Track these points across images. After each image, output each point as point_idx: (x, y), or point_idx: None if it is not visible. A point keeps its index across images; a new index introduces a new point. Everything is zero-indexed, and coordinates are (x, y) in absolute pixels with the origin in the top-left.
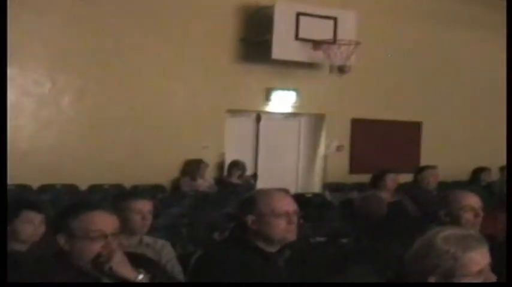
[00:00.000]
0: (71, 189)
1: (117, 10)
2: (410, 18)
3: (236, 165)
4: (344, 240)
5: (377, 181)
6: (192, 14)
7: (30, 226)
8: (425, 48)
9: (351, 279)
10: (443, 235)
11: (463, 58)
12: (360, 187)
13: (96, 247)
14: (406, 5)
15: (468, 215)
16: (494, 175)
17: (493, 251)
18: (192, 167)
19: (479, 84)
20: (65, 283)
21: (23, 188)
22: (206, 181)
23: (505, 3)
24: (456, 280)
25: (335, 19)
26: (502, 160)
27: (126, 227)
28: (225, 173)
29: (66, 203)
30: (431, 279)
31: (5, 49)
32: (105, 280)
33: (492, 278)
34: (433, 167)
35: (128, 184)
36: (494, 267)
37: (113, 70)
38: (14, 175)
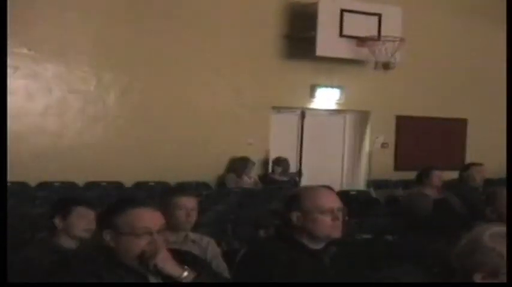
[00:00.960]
0: (116, 186)
1: (161, 7)
2: (456, 14)
3: (280, 162)
4: (389, 237)
5: (423, 178)
6: (237, 10)
7: (83, 221)
8: (472, 44)
9: (397, 276)
10: (490, 232)
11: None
12: (404, 184)
13: (141, 244)
14: (451, 1)
15: None
16: None
17: None
18: (238, 164)
19: None
20: (67, 283)
21: (69, 185)
22: (251, 177)
23: None
24: (502, 277)
25: (379, 15)
26: None
27: (171, 224)
28: (270, 170)
29: (112, 200)
30: (477, 276)
31: (5, 50)
32: (151, 277)
33: None
34: (479, 165)
35: (173, 181)
36: None
37: (157, 68)
38: (60, 172)
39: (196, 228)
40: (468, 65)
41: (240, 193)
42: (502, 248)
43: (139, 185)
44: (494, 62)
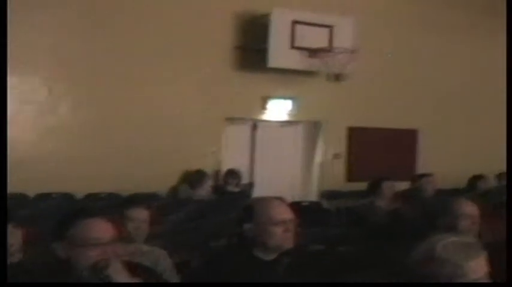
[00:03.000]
0: (67, 198)
1: (114, 19)
2: (408, 26)
3: (233, 173)
4: (342, 248)
5: (374, 189)
6: (188, 21)
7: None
8: (423, 56)
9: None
10: (443, 244)
11: (460, 66)
12: (357, 194)
13: (93, 255)
14: (404, 13)
15: (465, 223)
16: (491, 183)
17: (491, 259)
18: (191, 176)
19: (476, 91)
20: (66, 283)
21: (20, 196)
22: (203, 189)
23: (503, 9)
24: None
25: (331, 27)
26: (499, 168)
27: (122, 236)
28: (222, 181)
29: (63, 212)
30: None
31: (5, 51)
32: None
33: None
34: (430, 175)
35: (124, 192)
36: (493, 275)
37: (109, 80)
38: (11, 183)
39: (148, 240)
40: (419, 75)
41: (192, 205)
42: (455, 259)
43: (91, 197)
44: (444, 72)
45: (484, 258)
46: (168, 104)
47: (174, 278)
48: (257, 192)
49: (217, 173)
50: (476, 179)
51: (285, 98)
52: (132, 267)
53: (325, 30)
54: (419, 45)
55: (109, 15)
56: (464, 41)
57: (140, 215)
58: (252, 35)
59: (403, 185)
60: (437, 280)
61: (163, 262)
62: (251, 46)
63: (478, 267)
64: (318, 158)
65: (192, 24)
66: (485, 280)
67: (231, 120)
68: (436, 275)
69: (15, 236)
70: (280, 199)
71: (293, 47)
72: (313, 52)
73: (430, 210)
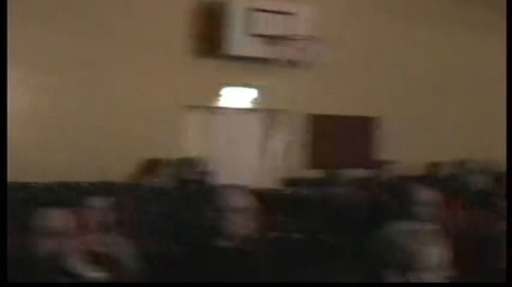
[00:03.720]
0: (26, 187)
1: (72, 8)
2: (369, 13)
3: (192, 161)
4: (301, 235)
5: (333, 176)
6: (146, 9)
7: None
8: (384, 43)
9: (310, 273)
10: (399, 230)
11: (422, 53)
12: (317, 182)
13: (53, 245)
14: (365, 0)
15: (424, 210)
16: (451, 170)
17: (453, 246)
18: (151, 165)
19: (437, 79)
20: (65, 283)
21: None
22: (163, 177)
23: None
24: (412, 275)
25: (291, 14)
26: (459, 154)
27: (84, 225)
28: (182, 169)
29: (22, 202)
30: (388, 273)
31: (5, 50)
32: (62, 278)
33: (450, 273)
34: (390, 162)
35: (85, 181)
36: (454, 261)
37: (66, 69)
38: None
39: (109, 229)
40: (380, 63)
41: (153, 193)
42: (413, 245)
43: (51, 187)
44: (407, 60)
45: (442, 245)
46: (126, 93)
47: (137, 267)
48: (216, 180)
49: (176, 161)
50: (435, 166)
51: (244, 85)
52: (94, 256)
53: (285, 17)
54: (380, 33)
55: (69, 5)
56: (428, 29)
57: (102, 204)
58: (210, 23)
59: (363, 173)
60: (392, 267)
61: (126, 251)
62: (209, 33)
63: (436, 254)
64: (278, 145)
65: (151, 12)
66: (445, 267)
67: (190, 108)
68: (392, 263)
69: None
70: (239, 186)
71: (252, 34)
72: (272, 39)
73: (390, 197)
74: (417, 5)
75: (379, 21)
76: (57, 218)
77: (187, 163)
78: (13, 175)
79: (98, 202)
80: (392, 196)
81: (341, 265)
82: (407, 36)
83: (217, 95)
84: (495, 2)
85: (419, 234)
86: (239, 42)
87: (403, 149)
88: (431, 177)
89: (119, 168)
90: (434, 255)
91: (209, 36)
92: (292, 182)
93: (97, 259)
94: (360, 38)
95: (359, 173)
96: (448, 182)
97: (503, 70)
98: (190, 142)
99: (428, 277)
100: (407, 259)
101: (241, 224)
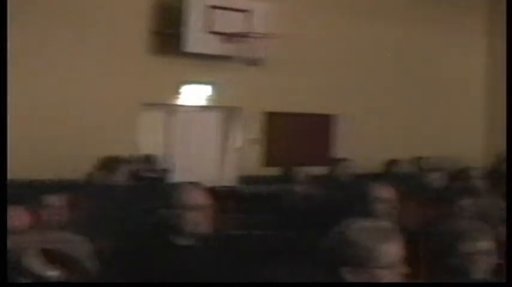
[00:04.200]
0: None
1: (27, 2)
2: (326, 10)
3: (149, 159)
4: (259, 232)
5: (290, 174)
6: (103, 6)
7: None
8: (341, 41)
9: (272, 271)
10: (356, 227)
11: (380, 51)
12: (274, 179)
13: (7, 243)
14: None
15: (381, 207)
16: (407, 167)
17: (409, 244)
18: (108, 162)
19: (395, 77)
20: (64, 282)
21: None
22: (120, 175)
23: None
24: (369, 272)
25: (248, 12)
26: (415, 152)
27: (39, 223)
28: (138, 167)
29: None
30: (345, 270)
31: (5, 50)
32: (18, 277)
33: (405, 270)
34: (346, 160)
35: (41, 179)
36: (410, 259)
37: (21, 65)
38: None
39: (65, 227)
40: (337, 61)
41: (109, 191)
42: (369, 242)
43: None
44: (364, 58)
45: (398, 242)
46: (83, 90)
47: (94, 265)
48: (174, 178)
49: (133, 159)
50: (392, 163)
51: (201, 83)
52: (50, 255)
53: (242, 15)
54: (337, 30)
55: (25, 2)
56: (386, 27)
57: (58, 201)
58: (168, 20)
59: (320, 170)
60: (349, 264)
61: (82, 249)
62: (167, 31)
63: (392, 251)
64: (235, 143)
65: (108, 9)
66: (400, 264)
67: (148, 105)
68: (349, 260)
69: None
70: (196, 184)
71: (210, 31)
72: (229, 37)
73: (346, 194)
74: (374, 2)
75: (336, 19)
76: (11, 216)
77: (144, 161)
78: None
79: (53, 200)
80: (349, 194)
81: (299, 262)
82: (364, 33)
83: (174, 92)
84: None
85: (375, 231)
86: (197, 39)
87: (360, 146)
88: (387, 174)
89: (75, 165)
90: (390, 252)
91: (167, 34)
92: (248, 180)
93: (52, 257)
94: (317, 35)
95: (316, 170)
96: (404, 179)
97: (464, 69)
98: (148, 140)
99: (385, 274)
100: (364, 255)
101: (197, 221)
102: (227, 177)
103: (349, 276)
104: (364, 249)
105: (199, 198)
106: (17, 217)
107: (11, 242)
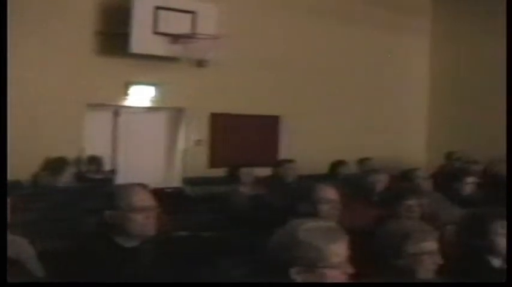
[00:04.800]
0: None
1: None
2: (273, 10)
3: (95, 160)
4: (206, 234)
5: (234, 175)
6: (48, 6)
7: None
8: (287, 42)
9: (216, 272)
10: (305, 227)
11: (325, 52)
12: (220, 181)
13: None
14: None
15: (326, 208)
16: (352, 168)
17: (353, 244)
18: (52, 164)
19: (340, 79)
20: (64, 282)
21: None
22: (65, 176)
23: None
24: (317, 272)
25: (194, 13)
26: (359, 154)
27: None
28: (84, 168)
29: None
30: (294, 271)
31: (5, 49)
32: None
33: (349, 270)
34: (291, 161)
35: None
36: (355, 258)
37: None
38: None
39: (10, 229)
40: (283, 62)
41: (54, 192)
42: (317, 242)
43: None
44: (310, 60)
45: (345, 242)
46: (28, 90)
47: (37, 268)
48: (120, 179)
49: (79, 160)
50: (337, 165)
51: (147, 84)
52: None
53: (188, 16)
54: (284, 31)
55: None
56: (333, 27)
57: None
58: (114, 20)
59: (265, 171)
60: (298, 264)
61: (26, 251)
62: (113, 31)
63: (340, 250)
64: (181, 144)
65: (53, 9)
66: (346, 264)
67: (93, 106)
68: (298, 259)
69: None
70: (142, 185)
71: (156, 32)
72: (175, 38)
73: (292, 195)
74: (318, 2)
75: (282, 19)
76: None
77: (90, 162)
78: None
79: None
80: (294, 195)
81: (245, 263)
82: (309, 34)
83: (121, 93)
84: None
85: (323, 231)
86: (143, 40)
87: (305, 147)
88: (332, 175)
89: (20, 166)
90: (338, 252)
91: (113, 34)
92: (194, 181)
93: None
94: (263, 36)
95: (261, 171)
96: (348, 180)
97: (408, 70)
98: (94, 141)
99: (333, 274)
100: (313, 255)
101: (142, 223)
102: (173, 178)
103: (297, 277)
104: (315, 249)
105: (144, 199)
106: None
107: None
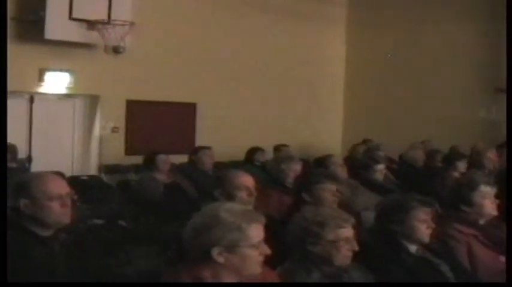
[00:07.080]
0: None
1: None
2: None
3: (9, 148)
4: (122, 222)
5: (149, 162)
6: None
7: None
8: (205, 30)
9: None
10: (226, 208)
11: (244, 40)
12: (136, 168)
13: None
14: None
15: (242, 194)
16: (268, 155)
17: (268, 230)
18: None
19: (256, 66)
20: (65, 283)
21: None
22: None
23: None
24: (239, 251)
25: None
26: (275, 140)
27: None
28: None
29: None
30: (215, 251)
31: (5, 49)
32: None
33: (267, 250)
34: (208, 148)
35: None
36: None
37: None
38: None
39: None
40: (200, 49)
41: None
42: (239, 222)
43: None
44: (228, 47)
45: (263, 223)
46: None
47: None
48: (35, 167)
49: None
50: (253, 151)
51: (62, 70)
52: None
53: (104, 2)
54: (202, 19)
55: None
56: (249, 17)
57: None
58: (28, 5)
59: (182, 158)
60: (220, 244)
61: None
62: (27, 17)
63: (259, 231)
64: (97, 131)
65: None
66: (263, 245)
67: (8, 93)
68: (220, 239)
69: None
70: (56, 173)
71: (71, 18)
72: (91, 24)
73: (207, 182)
74: None
75: (198, 9)
76: None
77: None
78: None
79: None
80: (210, 181)
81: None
82: (226, 23)
83: (36, 80)
84: None
85: (243, 211)
86: (57, 26)
87: (221, 134)
88: (249, 162)
89: None
90: (258, 232)
91: (28, 21)
92: (110, 169)
93: None
94: (181, 24)
95: (177, 158)
96: (264, 167)
97: (324, 59)
98: (8, 129)
99: (253, 254)
100: (235, 235)
101: (57, 211)
102: (89, 166)
103: (219, 257)
104: (237, 228)
105: (60, 187)
106: None
107: None
